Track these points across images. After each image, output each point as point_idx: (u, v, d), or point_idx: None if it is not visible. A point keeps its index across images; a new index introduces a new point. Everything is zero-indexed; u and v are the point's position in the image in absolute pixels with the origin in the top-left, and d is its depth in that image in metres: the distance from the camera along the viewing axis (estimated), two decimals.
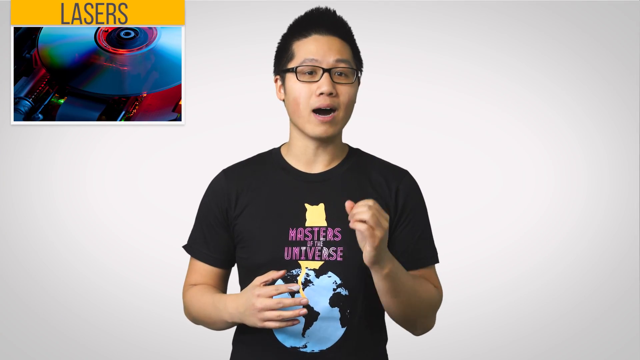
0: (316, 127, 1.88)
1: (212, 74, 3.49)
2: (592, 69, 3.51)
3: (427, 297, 1.88)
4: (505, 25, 3.51)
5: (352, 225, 1.67)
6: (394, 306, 1.83)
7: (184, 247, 2.07)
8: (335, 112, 1.88)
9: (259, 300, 1.76)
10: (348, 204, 1.70)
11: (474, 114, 3.52)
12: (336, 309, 1.87)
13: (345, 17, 1.98)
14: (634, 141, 3.50)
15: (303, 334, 1.87)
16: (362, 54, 1.99)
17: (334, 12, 1.95)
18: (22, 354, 3.44)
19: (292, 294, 1.82)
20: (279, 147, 2.04)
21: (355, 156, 2.00)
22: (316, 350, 1.87)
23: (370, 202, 1.68)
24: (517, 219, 3.52)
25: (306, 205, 1.91)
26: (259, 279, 1.79)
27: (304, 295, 1.85)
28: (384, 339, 2.01)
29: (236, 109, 3.49)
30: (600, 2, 3.47)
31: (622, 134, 3.51)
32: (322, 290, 1.86)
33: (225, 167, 2.05)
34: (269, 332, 1.89)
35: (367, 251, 1.69)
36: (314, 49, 1.88)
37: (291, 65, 1.90)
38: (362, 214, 1.66)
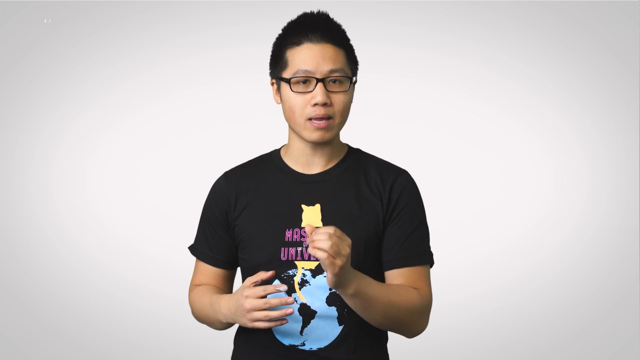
0: (312, 133, 1.88)
1: (212, 74, 3.50)
2: (592, 69, 3.50)
3: (406, 305, 1.85)
4: (505, 25, 3.50)
5: (310, 251, 1.67)
6: (369, 319, 1.84)
7: (189, 248, 2.09)
8: (331, 119, 1.87)
9: (247, 300, 1.77)
10: (308, 228, 1.69)
11: (474, 114, 3.52)
12: (333, 308, 1.87)
13: (345, 17, 1.96)
14: (634, 141, 3.49)
15: (301, 333, 1.87)
16: (362, 54, 1.98)
17: (327, 15, 1.92)
18: (22, 354, 3.45)
19: (289, 293, 1.84)
20: (279, 149, 2.04)
21: (353, 156, 2.00)
22: (314, 348, 1.87)
23: (330, 229, 1.67)
24: (517, 219, 3.52)
25: (302, 206, 1.91)
26: (249, 280, 1.81)
27: (301, 296, 1.86)
28: (384, 337, 2.01)
29: (236, 109, 3.49)
30: (600, 2, 3.47)
31: (622, 134, 3.51)
32: (318, 290, 1.87)
33: (225, 167, 2.06)
34: (268, 330, 1.90)
35: (328, 277, 1.70)
36: (307, 58, 1.85)
37: (285, 74, 1.88)
38: (321, 242, 1.65)
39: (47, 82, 3.51)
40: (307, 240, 1.69)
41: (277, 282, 1.87)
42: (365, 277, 1.79)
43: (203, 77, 3.50)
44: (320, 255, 1.66)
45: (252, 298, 1.77)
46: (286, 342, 1.88)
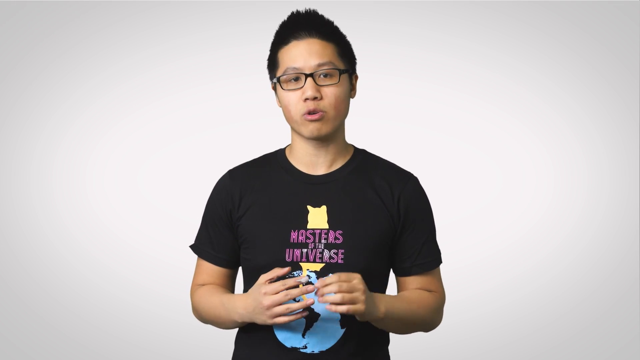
0: (308, 127, 1.88)
1: (212, 74, 3.50)
2: (592, 69, 3.50)
3: (425, 312, 1.94)
4: (505, 25, 3.50)
5: (329, 308, 1.72)
6: (396, 332, 1.95)
7: (191, 246, 2.07)
8: (325, 112, 1.87)
9: (266, 297, 1.76)
10: (319, 282, 1.73)
11: (474, 114, 3.52)
12: None
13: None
14: (634, 141, 3.49)
15: (303, 335, 1.87)
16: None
17: (313, 12, 1.92)
18: (22, 354, 3.44)
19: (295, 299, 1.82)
20: (284, 149, 2.03)
21: (359, 157, 2.00)
22: (316, 351, 1.87)
23: (334, 277, 1.72)
24: (517, 219, 3.52)
25: (308, 207, 1.91)
26: (263, 277, 1.79)
27: (305, 298, 1.84)
28: (386, 340, 2.01)
29: (236, 109, 3.49)
30: (600, 2, 3.47)
31: (622, 134, 3.51)
32: None
33: (225, 167, 2.05)
34: (270, 332, 1.89)
35: (359, 316, 1.78)
36: (294, 56, 1.87)
37: (277, 75, 1.90)
38: (334, 295, 1.72)
39: (47, 82, 3.51)
40: (319, 299, 1.73)
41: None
42: (387, 297, 1.85)
43: (203, 77, 3.49)
44: (342, 309, 1.71)
45: (270, 294, 1.76)
46: (288, 344, 1.88)
